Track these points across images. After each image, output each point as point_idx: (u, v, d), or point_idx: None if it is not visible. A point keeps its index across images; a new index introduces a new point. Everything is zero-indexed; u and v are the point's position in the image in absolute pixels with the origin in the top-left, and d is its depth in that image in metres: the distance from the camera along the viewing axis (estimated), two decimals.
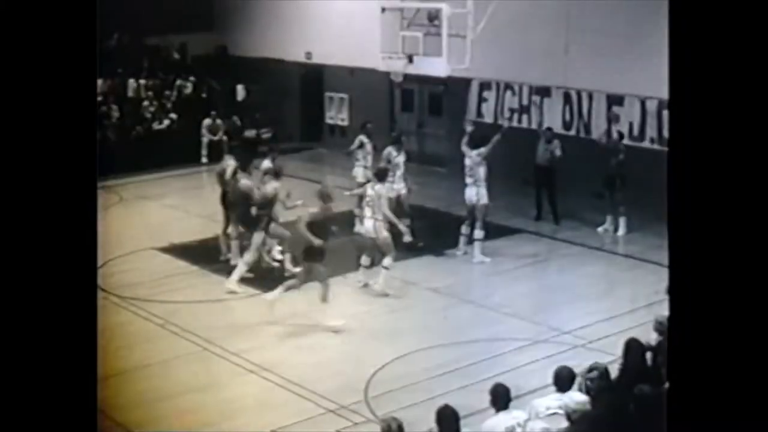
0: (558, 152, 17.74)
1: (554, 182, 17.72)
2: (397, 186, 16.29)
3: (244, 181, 14.85)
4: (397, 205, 15.99)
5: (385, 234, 14.18)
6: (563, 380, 8.21)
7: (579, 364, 8.68)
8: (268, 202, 14.49)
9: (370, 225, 14.22)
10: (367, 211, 14.30)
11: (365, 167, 17.38)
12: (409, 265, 15.27)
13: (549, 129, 18.41)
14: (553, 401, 8.06)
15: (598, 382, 8.06)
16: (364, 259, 14.59)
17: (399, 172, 16.43)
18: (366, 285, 14.43)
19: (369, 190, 14.39)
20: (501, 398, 7.94)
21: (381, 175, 14.72)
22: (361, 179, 17.20)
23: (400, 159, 16.55)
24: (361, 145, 17.48)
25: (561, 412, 7.92)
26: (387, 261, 14.23)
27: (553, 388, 8.28)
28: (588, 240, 16.58)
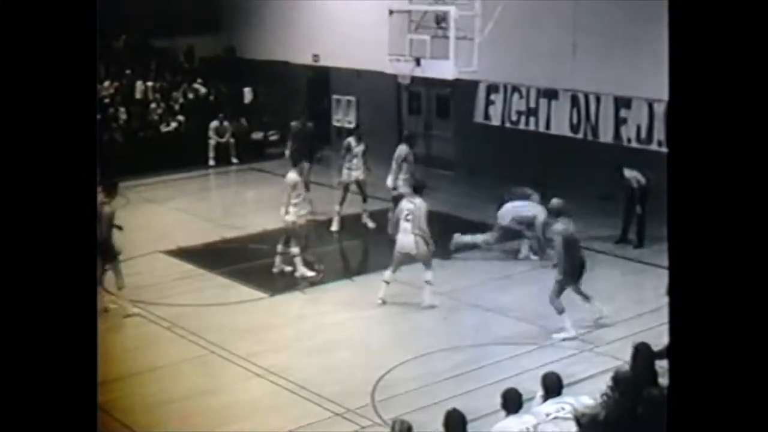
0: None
1: (645, 202, 15.99)
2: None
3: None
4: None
5: (424, 248, 13.68)
6: (551, 386, 8.26)
7: (586, 368, 8.69)
8: None
9: (411, 240, 13.63)
10: (407, 225, 13.64)
11: (350, 169, 17.64)
12: (415, 268, 15.21)
13: None
14: (551, 407, 8.07)
15: (610, 386, 8.06)
16: (388, 275, 13.97)
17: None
18: (384, 303, 13.92)
19: (408, 204, 13.76)
20: (512, 402, 7.96)
21: (419, 188, 14.17)
22: (345, 179, 17.74)
23: (410, 158, 16.73)
24: (349, 148, 17.69)
25: (561, 415, 7.93)
26: (429, 275, 13.76)
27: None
28: (594, 244, 16.49)
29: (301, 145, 19.22)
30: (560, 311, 12.67)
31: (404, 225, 13.66)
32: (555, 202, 13.06)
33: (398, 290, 14.49)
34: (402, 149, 17.17)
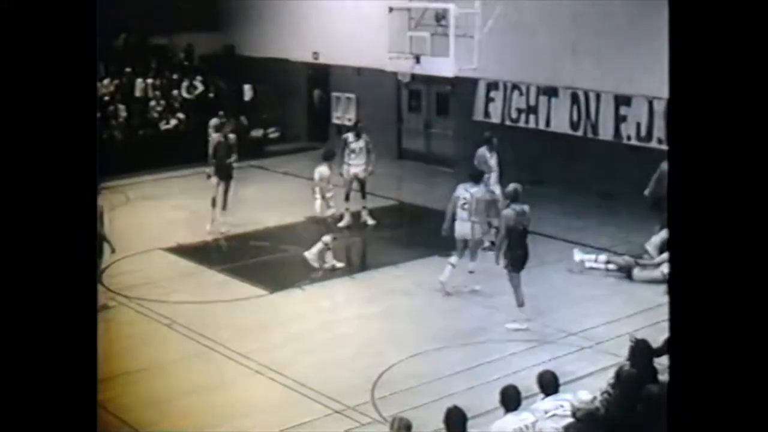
0: None
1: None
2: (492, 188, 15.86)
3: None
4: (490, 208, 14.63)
5: (480, 235, 14.03)
6: (547, 384, 8.28)
7: (586, 365, 8.68)
8: None
9: (468, 227, 13.83)
10: (463, 214, 13.84)
11: (348, 165, 17.51)
12: (416, 265, 15.23)
13: None
14: (550, 404, 8.09)
15: (611, 383, 8.08)
16: (454, 259, 14.18)
17: (494, 175, 16.22)
18: (448, 293, 14.12)
19: (464, 192, 13.90)
20: (511, 400, 7.96)
21: (475, 177, 14.24)
22: (344, 176, 17.52)
23: (494, 161, 16.30)
24: (346, 144, 17.61)
25: (559, 413, 7.94)
26: (472, 265, 14.06)
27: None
28: (595, 241, 16.48)
29: (223, 158, 17.80)
30: (518, 304, 12.84)
31: (461, 213, 13.86)
32: (512, 186, 12.94)
33: (399, 286, 14.49)
34: (481, 152, 16.36)
